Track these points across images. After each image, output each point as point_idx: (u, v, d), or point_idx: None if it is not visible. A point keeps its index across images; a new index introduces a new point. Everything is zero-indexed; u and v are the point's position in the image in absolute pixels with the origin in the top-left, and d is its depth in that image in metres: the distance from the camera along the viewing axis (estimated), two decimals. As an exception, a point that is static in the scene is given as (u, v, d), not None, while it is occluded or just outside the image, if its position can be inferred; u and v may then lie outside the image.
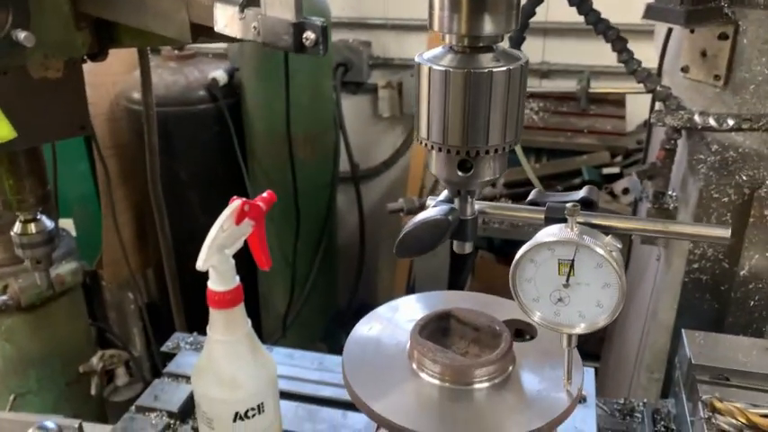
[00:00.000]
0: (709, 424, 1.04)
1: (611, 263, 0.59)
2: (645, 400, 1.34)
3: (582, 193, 0.66)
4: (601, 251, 0.59)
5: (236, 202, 1.05)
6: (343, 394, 1.38)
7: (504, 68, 0.64)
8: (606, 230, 0.63)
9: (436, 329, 0.77)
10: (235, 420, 1.07)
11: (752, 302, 1.37)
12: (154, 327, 3.06)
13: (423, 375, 0.71)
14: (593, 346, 2.60)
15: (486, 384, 0.69)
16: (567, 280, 0.61)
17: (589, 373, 1.28)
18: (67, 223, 2.91)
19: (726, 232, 0.65)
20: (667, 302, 1.46)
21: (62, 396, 2.25)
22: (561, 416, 0.66)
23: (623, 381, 1.77)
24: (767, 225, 1.30)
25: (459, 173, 0.65)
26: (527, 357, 0.74)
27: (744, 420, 1.01)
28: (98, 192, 2.90)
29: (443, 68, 0.65)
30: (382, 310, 0.83)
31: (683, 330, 1.23)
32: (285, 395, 1.33)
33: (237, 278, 1.06)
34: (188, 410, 1.31)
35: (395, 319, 0.80)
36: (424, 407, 0.68)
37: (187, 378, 1.37)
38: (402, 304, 0.84)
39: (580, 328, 0.63)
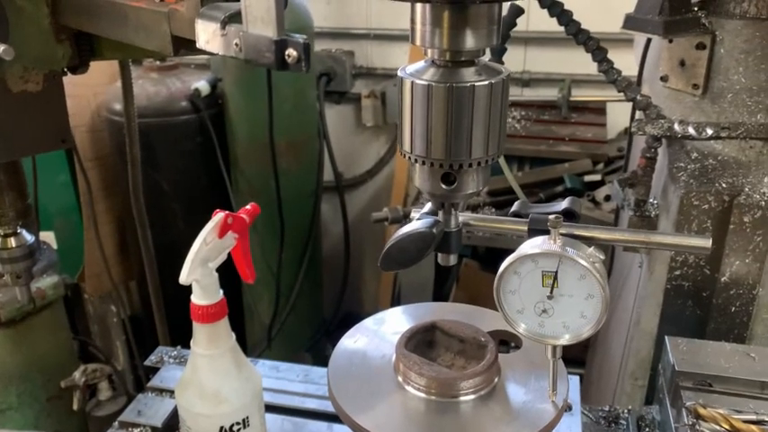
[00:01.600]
0: (693, 430, 1.04)
1: (595, 274, 0.59)
2: (630, 408, 1.35)
3: (564, 204, 0.67)
4: (584, 263, 0.60)
5: (219, 216, 1.05)
6: (328, 406, 1.37)
7: (486, 82, 0.64)
8: (589, 242, 0.64)
9: (421, 342, 0.77)
10: (220, 435, 1.06)
11: (733, 308, 1.38)
12: (137, 340, 3.03)
13: (408, 388, 0.71)
14: (577, 353, 2.61)
15: (472, 396, 0.69)
16: (551, 291, 0.62)
17: (574, 381, 1.29)
18: (48, 236, 2.88)
19: (706, 242, 0.66)
20: (650, 309, 1.48)
21: (44, 412, 2.21)
22: (547, 427, 0.66)
23: (608, 388, 1.78)
24: (747, 232, 1.32)
25: (443, 186, 0.66)
26: (512, 368, 0.74)
27: (727, 426, 1.02)
28: (79, 204, 2.87)
29: (426, 83, 0.65)
30: (368, 322, 0.83)
31: (666, 337, 1.24)
32: (270, 408, 1.32)
33: (221, 292, 1.06)
34: (172, 425, 1.29)
35: (380, 332, 0.80)
36: (410, 420, 0.68)
37: (171, 392, 1.36)
38: (387, 316, 0.84)
39: (564, 339, 0.64)
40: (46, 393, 2.25)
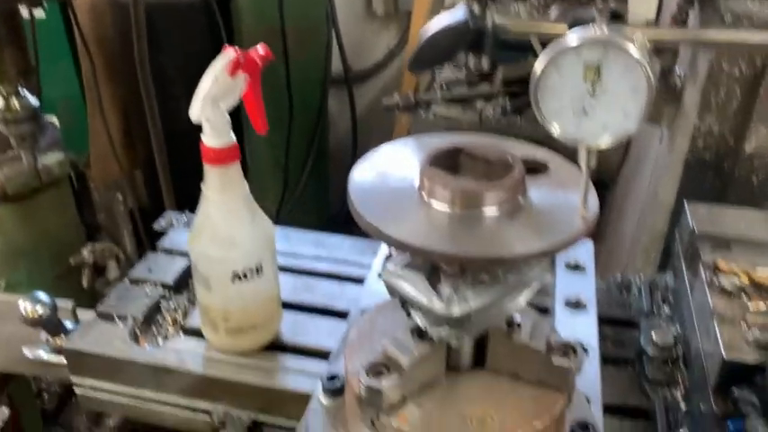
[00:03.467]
0: (710, 285, 1.03)
1: (643, 63, 0.55)
2: (642, 275, 1.34)
3: (612, 5, 0.62)
4: (632, 51, 0.55)
5: (230, 52, 1.00)
6: (340, 268, 1.37)
7: None
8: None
9: (446, 164, 0.74)
10: (233, 281, 1.05)
11: (754, 180, 1.35)
12: (145, 229, 3.03)
13: (434, 204, 0.68)
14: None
15: (496, 210, 0.67)
16: (593, 87, 0.58)
17: (588, 245, 1.28)
18: (52, 120, 2.83)
19: None
20: (668, 183, 1.45)
21: (52, 288, 2.22)
22: (574, 237, 0.64)
23: (618, 265, 1.78)
24: (777, 98, 1.27)
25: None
26: (539, 188, 0.71)
27: (746, 280, 1.01)
28: (83, 90, 2.80)
29: None
30: (386, 147, 0.80)
31: (686, 202, 1.21)
32: (283, 269, 1.32)
33: (233, 136, 1.02)
34: (183, 283, 1.29)
35: (401, 156, 0.77)
36: (436, 230, 0.66)
37: (181, 253, 1.35)
38: (407, 143, 0.80)
39: (604, 141, 0.60)
40: (54, 270, 2.27)
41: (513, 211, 0.67)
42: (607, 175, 2.30)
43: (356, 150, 3.31)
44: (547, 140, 0.67)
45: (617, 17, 0.61)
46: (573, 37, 0.58)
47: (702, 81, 1.31)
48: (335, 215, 3.31)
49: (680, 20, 1.37)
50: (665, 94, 1.44)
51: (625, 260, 1.71)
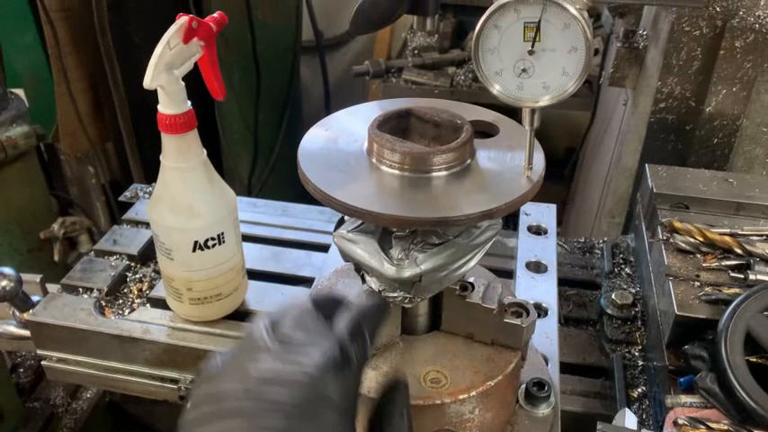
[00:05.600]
0: (666, 244, 1.05)
1: (581, 21, 0.55)
2: (605, 239, 1.36)
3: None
4: (570, 8, 0.55)
5: (182, 19, 0.99)
6: (307, 237, 1.37)
7: None
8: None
9: (395, 128, 0.74)
10: (194, 250, 1.05)
11: (715, 140, 1.37)
12: (117, 203, 3.00)
13: (382, 167, 0.68)
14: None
15: (444, 173, 0.67)
16: (533, 46, 0.58)
17: (551, 208, 1.29)
18: (19, 93, 2.78)
19: (699, -6, 0.62)
20: (632, 145, 1.46)
21: (25, 263, 2.22)
22: (519, 198, 0.65)
23: (587, 228, 1.80)
24: (737, 58, 1.28)
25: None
26: (488, 150, 0.71)
27: (701, 238, 1.03)
28: (49, 61, 2.74)
29: None
30: (340, 113, 0.80)
31: (646, 165, 1.23)
32: (249, 238, 1.32)
33: (189, 103, 1.01)
34: (148, 254, 1.29)
35: (353, 121, 0.77)
36: (384, 193, 0.66)
37: (146, 224, 1.35)
38: (362, 108, 0.80)
39: (544, 101, 0.61)
40: (26, 245, 2.25)
41: (460, 173, 0.68)
42: (575, 142, 2.31)
43: (330, 119, 3.28)
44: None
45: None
46: (513, -4, 0.57)
47: (664, 43, 1.31)
48: (311, 185, 3.30)
49: (642, -19, 1.37)
50: (629, 56, 1.44)
51: (591, 224, 1.73)
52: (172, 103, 0.98)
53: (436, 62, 2.61)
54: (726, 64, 1.28)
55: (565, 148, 3.22)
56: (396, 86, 2.59)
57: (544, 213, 1.27)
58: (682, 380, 0.91)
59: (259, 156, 2.91)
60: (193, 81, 1.02)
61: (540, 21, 0.57)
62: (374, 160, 0.70)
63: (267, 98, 2.82)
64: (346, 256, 0.74)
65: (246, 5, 2.49)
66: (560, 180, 2.81)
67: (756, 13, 1.25)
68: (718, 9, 1.27)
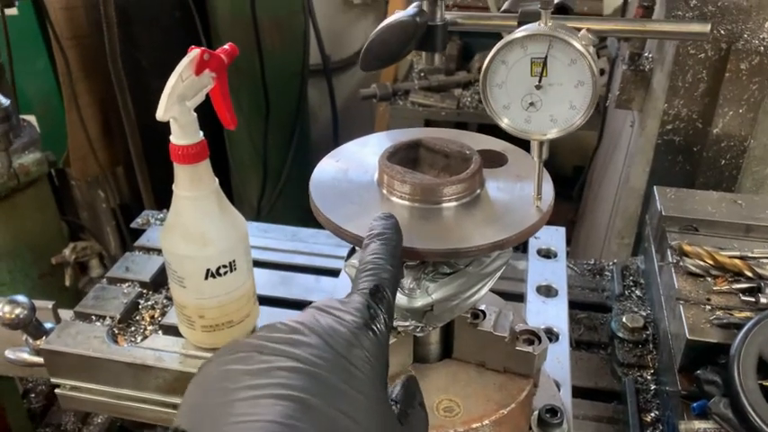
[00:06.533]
0: (676, 268, 1.05)
1: (586, 57, 0.56)
2: (615, 260, 1.36)
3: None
4: (576, 44, 0.56)
5: (194, 51, 1.00)
6: (316, 261, 1.38)
7: None
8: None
9: (405, 158, 0.75)
10: (206, 278, 1.06)
11: (723, 161, 1.37)
12: (127, 226, 3.02)
13: (393, 199, 0.69)
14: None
15: (455, 203, 0.68)
16: (540, 81, 0.59)
17: (560, 231, 1.29)
18: (30, 119, 2.82)
19: (705, 27, 0.63)
20: (640, 166, 1.46)
21: (36, 288, 2.24)
22: (529, 229, 0.65)
23: (596, 248, 1.80)
24: (743, 80, 1.28)
25: (426, -35, 0.61)
26: (497, 180, 0.72)
27: (711, 261, 1.03)
28: (60, 87, 2.78)
29: None
30: (350, 145, 0.81)
31: (654, 187, 1.23)
32: (259, 264, 1.33)
33: (201, 134, 1.03)
34: (160, 281, 1.30)
35: (364, 153, 0.78)
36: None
37: (158, 251, 1.36)
38: (371, 140, 0.81)
39: (552, 133, 0.62)
40: (37, 270, 2.27)
41: (470, 204, 0.69)
42: (584, 160, 2.31)
43: (338, 142, 3.30)
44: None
45: (564, 11, 0.62)
46: (519, 31, 0.59)
47: (670, 65, 1.32)
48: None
49: (646, 5, 1.38)
50: (635, 79, 1.45)
51: (601, 245, 1.74)
52: (184, 133, 1.00)
53: (442, 84, 2.64)
54: (732, 86, 1.29)
55: (573, 166, 3.22)
56: (403, 109, 2.61)
57: (553, 236, 1.27)
58: (695, 405, 0.91)
59: (268, 179, 2.94)
60: (203, 105, 1.04)
61: (546, 56, 0.58)
62: (385, 191, 0.71)
63: (275, 122, 2.85)
64: (358, 286, 0.75)
65: (255, 32, 2.52)
66: (569, 199, 2.81)
67: (761, 36, 1.26)
68: (722, 32, 1.28)
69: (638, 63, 1.43)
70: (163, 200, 1.56)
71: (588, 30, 0.58)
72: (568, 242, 2.73)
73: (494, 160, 0.78)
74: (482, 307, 0.79)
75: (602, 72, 2.47)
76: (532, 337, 0.79)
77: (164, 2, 2.60)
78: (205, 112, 1.06)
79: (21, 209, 2.14)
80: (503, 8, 0.67)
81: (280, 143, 2.94)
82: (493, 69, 0.60)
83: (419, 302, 0.70)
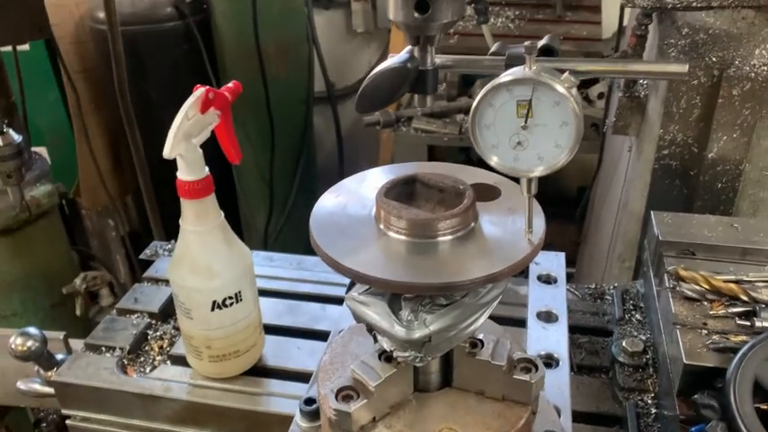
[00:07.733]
0: (673, 292, 1.07)
1: (569, 99, 0.59)
2: (615, 284, 1.38)
3: (543, 40, 0.66)
4: (559, 88, 0.59)
5: (200, 90, 1.04)
6: (322, 290, 1.41)
7: None
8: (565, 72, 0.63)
9: (402, 193, 0.77)
10: (213, 309, 1.09)
11: (719, 185, 1.39)
12: (137, 254, 3.06)
13: (390, 233, 0.72)
14: (568, 253, 2.64)
15: (449, 237, 0.70)
16: (526, 121, 0.62)
17: (560, 257, 1.31)
18: (41, 151, 2.88)
19: (683, 67, 0.66)
20: (638, 191, 1.49)
21: (47, 318, 2.27)
22: (521, 261, 0.68)
23: (596, 274, 1.82)
24: (735, 105, 1.31)
25: (416, 14, 0.64)
26: (490, 214, 0.75)
27: (707, 286, 1.05)
28: (70, 119, 2.84)
29: None
30: (348, 181, 0.84)
31: (652, 212, 1.25)
32: (265, 293, 1.35)
33: (207, 169, 1.06)
34: (168, 311, 1.33)
35: (362, 188, 0.81)
36: (392, 259, 0.69)
37: (166, 281, 1.39)
38: (369, 175, 0.84)
39: (539, 171, 0.64)
40: (49, 300, 2.30)
41: (464, 237, 0.71)
42: (588, 182, 2.34)
43: (343, 167, 3.35)
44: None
45: (549, 52, 0.65)
46: (505, 76, 0.62)
47: (664, 92, 1.35)
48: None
49: (639, 33, 1.42)
50: (631, 105, 1.48)
51: (603, 268, 1.75)
52: (190, 170, 1.03)
53: (444, 110, 2.68)
54: (725, 111, 1.31)
55: (577, 187, 3.25)
56: (406, 135, 2.65)
57: (553, 262, 1.29)
58: (693, 429, 0.92)
59: (275, 205, 2.98)
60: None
61: (531, 99, 0.61)
62: (382, 226, 0.73)
63: (281, 149, 2.90)
64: (358, 318, 0.77)
65: (260, 62, 2.58)
66: (573, 220, 2.83)
67: (752, 62, 1.29)
68: (714, 59, 1.31)
69: (633, 90, 1.46)
70: (171, 227, 1.59)
71: (571, 72, 0.61)
72: (573, 263, 2.75)
73: (487, 193, 0.80)
74: (480, 336, 0.81)
75: (600, 96, 2.51)
76: (530, 365, 0.81)
77: (171, 34, 2.67)
78: (212, 140, 1.09)
79: (32, 240, 2.18)
80: (491, 51, 0.70)
81: (286, 170, 2.99)
82: (481, 111, 0.63)
83: (417, 334, 0.72)
